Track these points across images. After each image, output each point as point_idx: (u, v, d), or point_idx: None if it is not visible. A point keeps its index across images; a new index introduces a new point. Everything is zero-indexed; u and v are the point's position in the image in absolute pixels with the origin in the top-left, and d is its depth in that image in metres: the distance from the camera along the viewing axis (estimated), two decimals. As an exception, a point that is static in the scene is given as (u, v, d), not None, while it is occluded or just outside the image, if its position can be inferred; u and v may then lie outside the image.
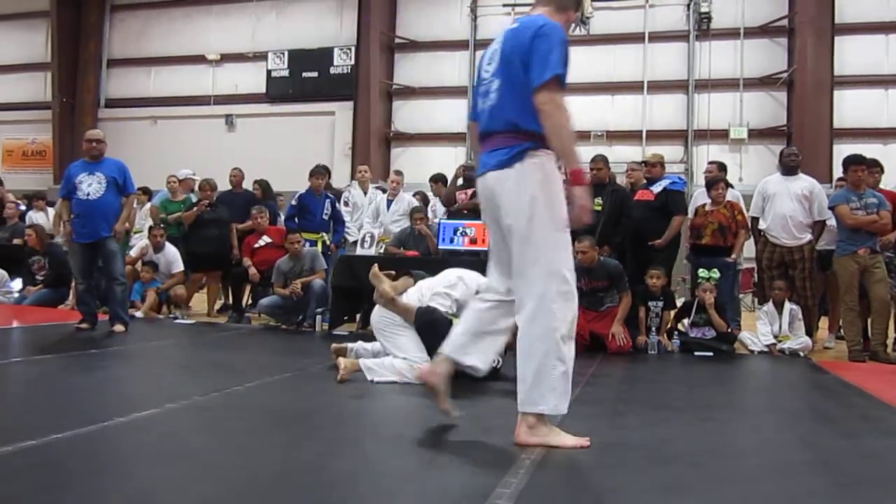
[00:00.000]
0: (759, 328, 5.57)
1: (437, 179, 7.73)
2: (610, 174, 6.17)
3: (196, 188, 7.68)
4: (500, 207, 2.42)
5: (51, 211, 9.03)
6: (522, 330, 2.37)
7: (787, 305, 5.55)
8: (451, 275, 3.84)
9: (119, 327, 5.42)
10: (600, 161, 6.04)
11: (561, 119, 2.31)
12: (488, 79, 2.49)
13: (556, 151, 2.39)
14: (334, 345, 4.03)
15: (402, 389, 3.41)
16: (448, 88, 13.71)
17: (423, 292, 3.78)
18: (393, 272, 3.98)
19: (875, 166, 5.86)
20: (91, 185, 5.41)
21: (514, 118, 2.39)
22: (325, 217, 6.98)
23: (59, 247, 7.58)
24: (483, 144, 2.51)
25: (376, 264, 3.97)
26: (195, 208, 7.29)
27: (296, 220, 6.84)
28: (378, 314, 3.75)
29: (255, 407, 3.00)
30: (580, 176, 2.38)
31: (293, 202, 6.98)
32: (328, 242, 6.97)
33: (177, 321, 6.50)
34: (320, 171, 7.07)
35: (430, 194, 7.94)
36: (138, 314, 6.55)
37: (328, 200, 7.05)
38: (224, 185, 7.99)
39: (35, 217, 8.82)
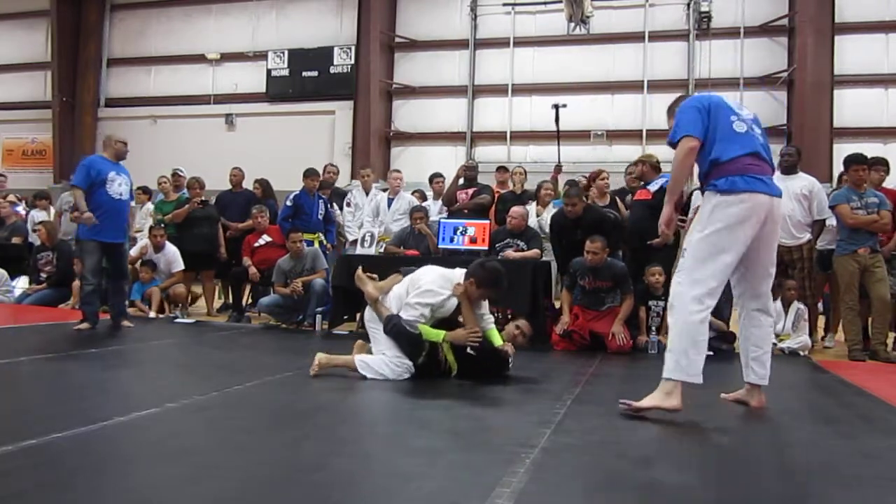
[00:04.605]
0: (763, 326, 5.56)
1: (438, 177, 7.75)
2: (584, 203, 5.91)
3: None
4: (777, 230, 3.14)
5: (52, 211, 9.03)
6: (769, 326, 3.22)
7: (795, 305, 5.56)
8: (424, 280, 3.82)
9: (128, 323, 5.69)
10: (575, 197, 5.72)
11: None
12: (747, 119, 3.09)
13: None
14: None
15: (402, 389, 3.41)
16: (448, 88, 13.71)
17: (405, 291, 3.83)
18: (376, 276, 4.07)
19: (879, 164, 5.86)
20: (122, 186, 5.55)
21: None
22: (320, 217, 7.01)
23: (68, 244, 7.60)
24: (758, 167, 3.02)
25: (361, 266, 4.09)
26: (185, 206, 7.31)
27: (290, 220, 6.84)
28: (368, 311, 3.91)
29: (255, 406, 3.00)
30: None
31: (288, 203, 6.99)
32: (325, 243, 7.00)
33: (177, 321, 6.50)
34: (314, 173, 7.11)
35: (428, 193, 7.94)
36: (151, 314, 6.62)
37: (321, 201, 7.08)
38: (224, 185, 7.99)
39: (38, 216, 8.82)
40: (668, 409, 2.88)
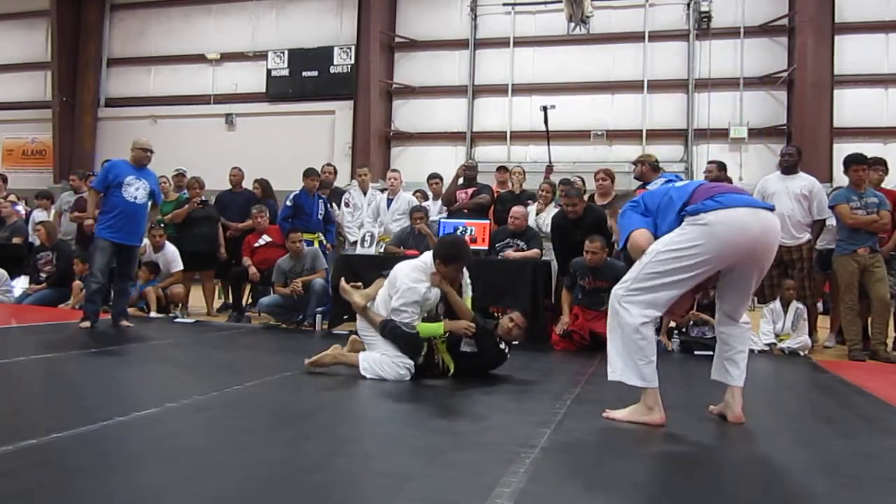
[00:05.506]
0: (763, 327, 5.57)
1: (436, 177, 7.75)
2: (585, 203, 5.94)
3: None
4: (771, 249, 2.80)
5: (53, 210, 9.03)
6: (745, 335, 2.98)
7: (794, 304, 5.57)
8: (399, 279, 3.79)
9: (127, 323, 5.68)
10: (575, 197, 5.73)
11: None
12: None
13: None
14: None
15: (402, 389, 3.41)
16: (448, 88, 13.71)
17: (388, 294, 3.83)
18: (360, 284, 4.12)
19: (878, 164, 5.86)
20: (139, 190, 5.66)
21: None
22: (320, 217, 7.02)
23: (68, 244, 7.60)
24: (721, 188, 2.86)
25: (343, 278, 4.19)
26: (185, 206, 7.31)
27: (289, 220, 6.84)
28: (360, 321, 3.93)
29: (255, 406, 3.00)
30: None
31: (288, 203, 6.99)
32: (325, 242, 7.00)
33: (176, 321, 6.50)
34: (314, 173, 7.11)
35: (429, 192, 7.94)
36: (152, 314, 6.65)
37: (321, 201, 7.08)
38: (224, 185, 7.99)
39: (40, 216, 8.83)
40: (650, 424, 2.76)
